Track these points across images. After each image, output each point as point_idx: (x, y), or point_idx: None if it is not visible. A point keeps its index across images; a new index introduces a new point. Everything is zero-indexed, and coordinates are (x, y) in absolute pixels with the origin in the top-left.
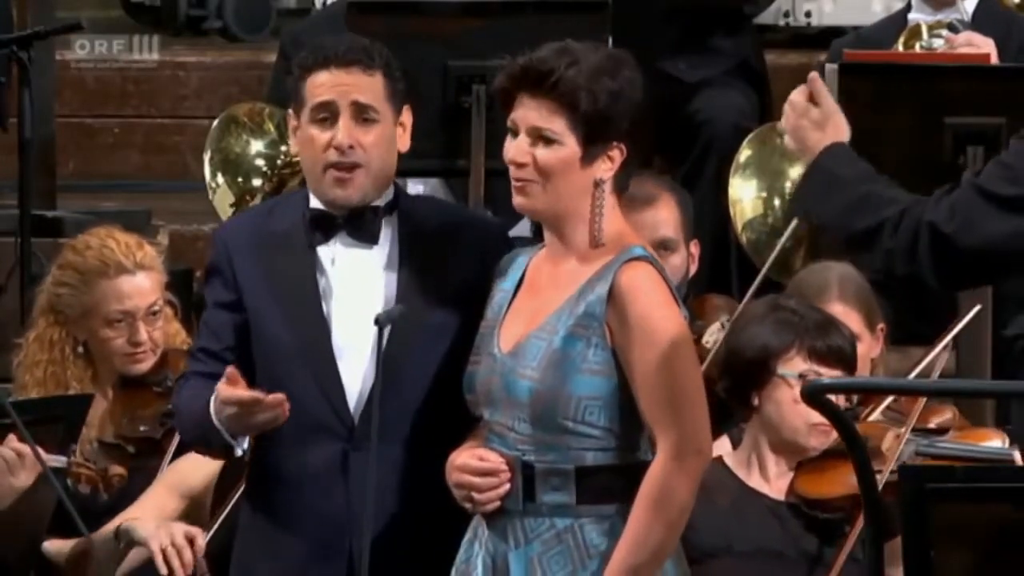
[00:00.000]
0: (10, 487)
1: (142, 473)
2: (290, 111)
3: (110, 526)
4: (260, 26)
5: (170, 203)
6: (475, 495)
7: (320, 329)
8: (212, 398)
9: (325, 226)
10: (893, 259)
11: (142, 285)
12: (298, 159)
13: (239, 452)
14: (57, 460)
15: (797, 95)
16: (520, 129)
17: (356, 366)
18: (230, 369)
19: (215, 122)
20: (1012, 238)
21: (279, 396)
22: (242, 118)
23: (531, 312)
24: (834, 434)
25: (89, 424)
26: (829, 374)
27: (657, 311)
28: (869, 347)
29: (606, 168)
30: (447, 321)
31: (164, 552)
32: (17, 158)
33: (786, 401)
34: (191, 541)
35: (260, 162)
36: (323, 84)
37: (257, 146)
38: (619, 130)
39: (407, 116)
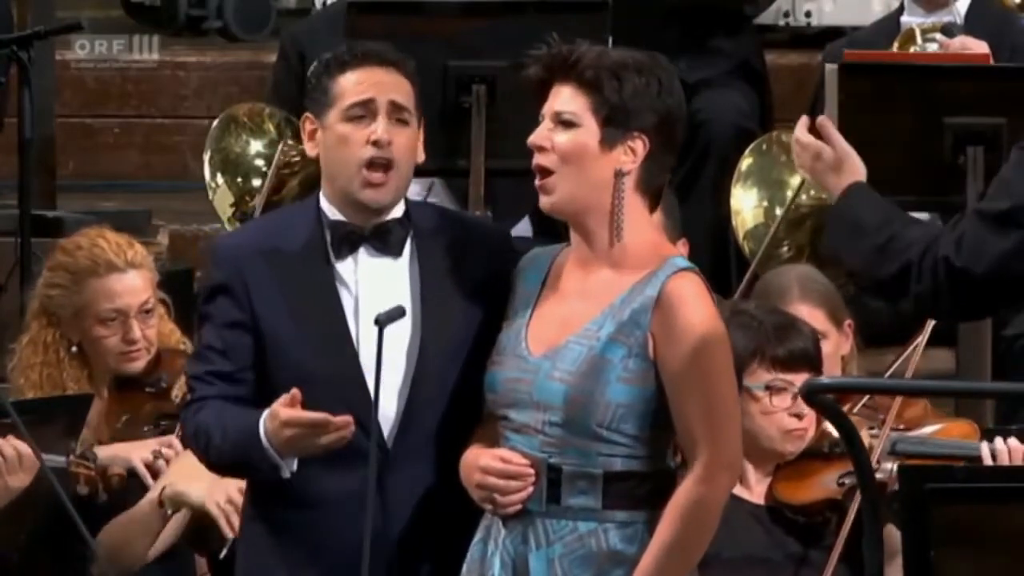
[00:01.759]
0: (5, 487)
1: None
2: (306, 114)
3: (150, 495)
4: (260, 26)
5: (170, 203)
6: (498, 497)
7: (348, 351)
8: (262, 419)
9: (349, 239)
10: (922, 303)
11: (134, 283)
12: (298, 159)
13: (287, 474)
14: (55, 460)
15: (803, 134)
16: (545, 116)
17: (388, 386)
18: (294, 391)
19: (215, 122)
20: (1017, 254)
21: (347, 418)
22: (242, 118)
23: (563, 316)
24: (808, 436)
25: (86, 426)
26: (795, 379)
27: (705, 324)
28: (837, 344)
29: (627, 160)
30: (468, 331)
31: (225, 512)
32: (17, 158)
33: (756, 413)
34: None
35: (260, 162)
36: (361, 82)
37: (257, 146)
38: (642, 121)
39: (421, 129)
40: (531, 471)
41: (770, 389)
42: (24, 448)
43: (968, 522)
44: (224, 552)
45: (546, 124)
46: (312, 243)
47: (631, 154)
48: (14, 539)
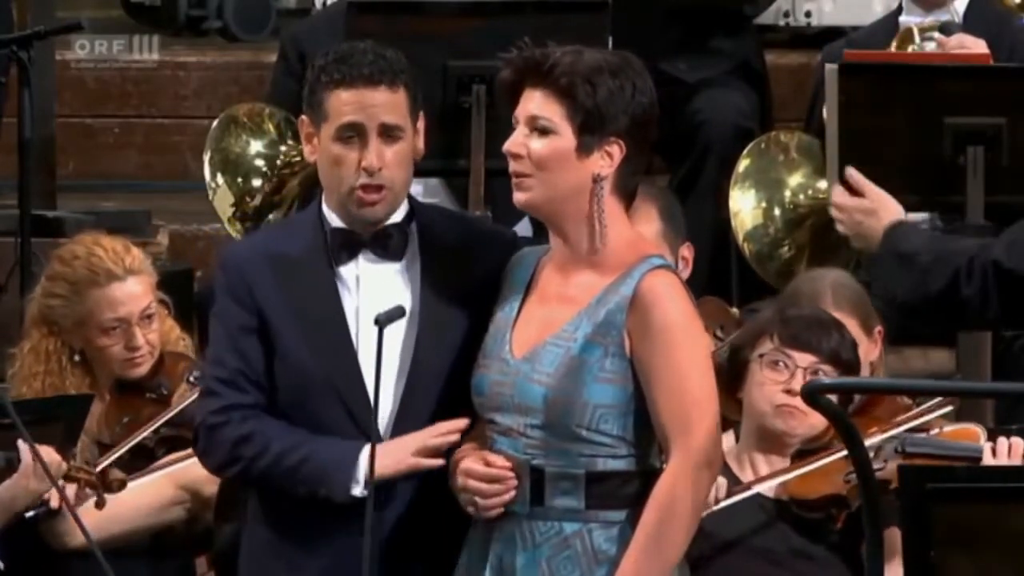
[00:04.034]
0: (25, 489)
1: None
2: (304, 117)
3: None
4: (260, 26)
5: (170, 203)
6: (480, 500)
7: (347, 354)
8: (364, 452)
9: (349, 245)
10: (972, 307)
11: (134, 290)
12: (298, 159)
13: (358, 493)
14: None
15: (839, 197)
16: (520, 121)
17: (385, 385)
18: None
19: (215, 122)
20: None
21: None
22: (242, 118)
23: (543, 319)
24: (808, 420)
25: (86, 429)
26: (797, 357)
27: (680, 321)
28: (867, 351)
29: (604, 164)
30: (467, 332)
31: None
32: (17, 158)
33: (754, 384)
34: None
35: (260, 162)
36: (350, 103)
37: (257, 146)
38: (617, 125)
39: (421, 122)
40: (511, 475)
41: (762, 357)
42: (46, 453)
43: (969, 522)
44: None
45: (521, 130)
46: (314, 249)
47: (608, 159)
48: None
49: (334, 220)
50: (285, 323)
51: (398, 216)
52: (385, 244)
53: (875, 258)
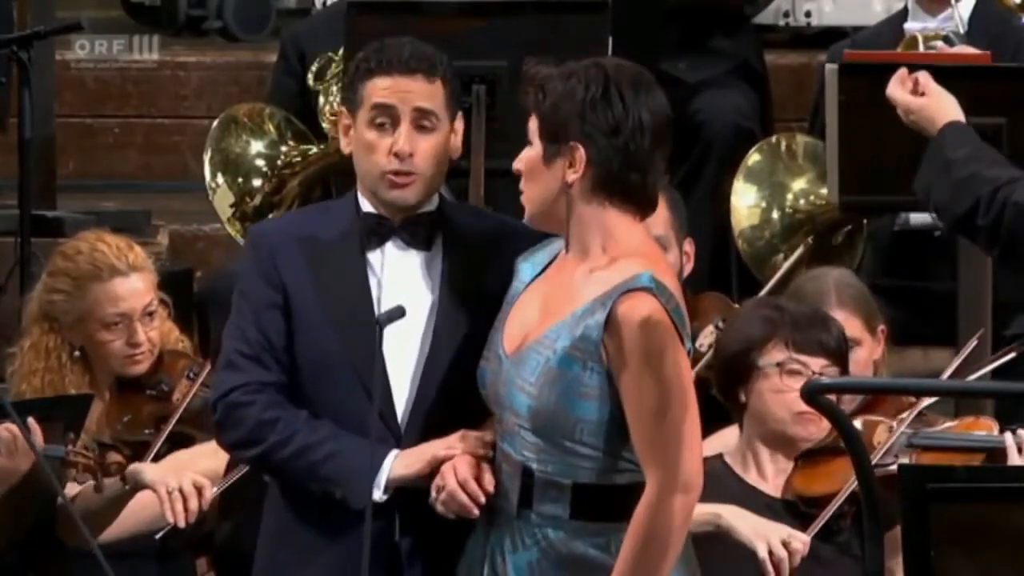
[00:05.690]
0: (3, 469)
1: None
2: (343, 109)
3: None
4: (260, 26)
5: (170, 203)
6: (442, 496)
7: (371, 339)
8: (392, 457)
9: (380, 230)
10: (982, 238)
11: (136, 286)
12: (299, 159)
13: (377, 495)
14: (54, 450)
15: (892, 90)
16: None
17: (403, 372)
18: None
19: (215, 122)
20: None
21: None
22: (242, 118)
23: (537, 307)
24: (824, 424)
25: (86, 428)
26: (812, 362)
27: (652, 345)
28: (871, 350)
29: (571, 172)
30: (488, 326)
31: (170, 496)
32: (17, 158)
33: (767, 391)
34: (199, 490)
35: (260, 162)
36: (385, 88)
37: (257, 146)
38: (573, 130)
39: (459, 122)
40: (482, 501)
41: (780, 366)
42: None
43: (968, 522)
44: (161, 534)
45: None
46: (348, 233)
47: (574, 165)
48: (13, 532)
49: (367, 206)
50: (309, 303)
51: (430, 206)
52: (414, 232)
53: (925, 155)
